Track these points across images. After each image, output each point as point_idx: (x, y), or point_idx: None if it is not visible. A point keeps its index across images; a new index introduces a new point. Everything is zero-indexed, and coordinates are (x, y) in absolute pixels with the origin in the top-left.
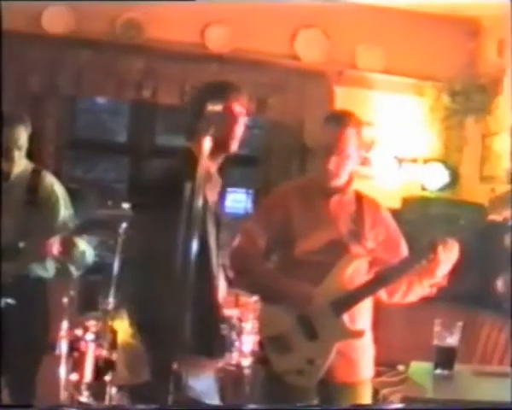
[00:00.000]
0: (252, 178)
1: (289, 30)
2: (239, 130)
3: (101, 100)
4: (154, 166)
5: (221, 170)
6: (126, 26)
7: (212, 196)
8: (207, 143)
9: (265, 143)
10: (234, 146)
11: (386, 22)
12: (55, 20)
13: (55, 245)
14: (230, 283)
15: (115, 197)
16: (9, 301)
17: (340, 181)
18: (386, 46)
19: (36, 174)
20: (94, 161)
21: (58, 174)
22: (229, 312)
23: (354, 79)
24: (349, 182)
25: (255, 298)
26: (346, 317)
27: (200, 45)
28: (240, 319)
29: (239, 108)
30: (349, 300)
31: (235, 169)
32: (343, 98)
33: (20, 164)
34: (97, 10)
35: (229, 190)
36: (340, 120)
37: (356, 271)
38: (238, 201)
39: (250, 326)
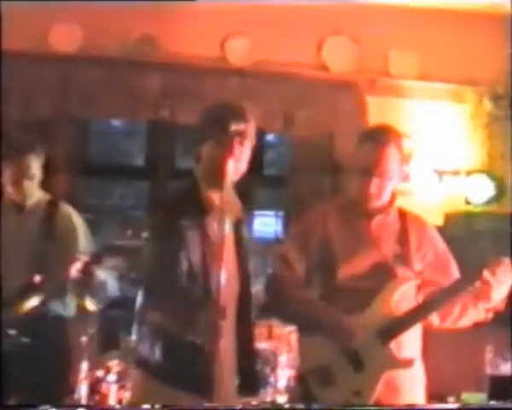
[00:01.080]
0: (281, 199)
1: (315, 38)
2: (241, 153)
3: (115, 122)
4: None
5: (243, 193)
6: (140, 41)
7: (217, 227)
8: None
9: (293, 161)
10: (231, 170)
11: (420, 23)
12: (63, 38)
13: (73, 271)
14: (266, 312)
15: (135, 226)
16: (25, 340)
17: (381, 202)
18: (421, 50)
19: (52, 206)
20: (110, 188)
21: (72, 203)
22: (262, 345)
23: (387, 88)
24: (391, 201)
25: (290, 329)
26: (393, 345)
27: (220, 59)
28: (274, 353)
29: (237, 133)
30: (396, 327)
31: (263, 190)
32: (376, 109)
33: (33, 195)
34: (108, 26)
35: (257, 213)
36: (379, 136)
37: (403, 295)
38: (267, 224)
39: (285, 360)
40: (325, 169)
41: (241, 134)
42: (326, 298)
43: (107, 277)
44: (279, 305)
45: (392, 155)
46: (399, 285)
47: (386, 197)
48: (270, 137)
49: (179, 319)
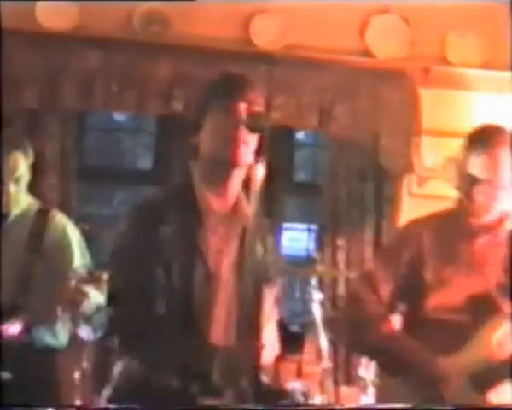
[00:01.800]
0: (314, 210)
1: (357, 17)
2: (246, 138)
3: (117, 115)
4: None
5: (268, 201)
6: (148, 19)
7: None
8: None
9: (330, 165)
10: (241, 159)
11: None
12: (54, 14)
13: (65, 293)
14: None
15: None
16: (5, 375)
17: (490, 217)
18: (485, 33)
19: (42, 214)
20: (110, 194)
21: (65, 212)
22: (290, 384)
23: (445, 78)
24: (501, 219)
25: (325, 366)
26: (490, 395)
27: (244, 42)
28: (305, 395)
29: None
30: (496, 374)
31: (293, 199)
32: (431, 103)
33: (20, 201)
34: (110, 2)
35: (286, 226)
36: (490, 138)
37: (507, 335)
38: (297, 239)
39: (318, 404)
40: (368, 175)
41: (250, 102)
42: (411, 331)
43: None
44: (355, 333)
45: (505, 160)
46: (503, 323)
47: (495, 212)
48: (301, 135)
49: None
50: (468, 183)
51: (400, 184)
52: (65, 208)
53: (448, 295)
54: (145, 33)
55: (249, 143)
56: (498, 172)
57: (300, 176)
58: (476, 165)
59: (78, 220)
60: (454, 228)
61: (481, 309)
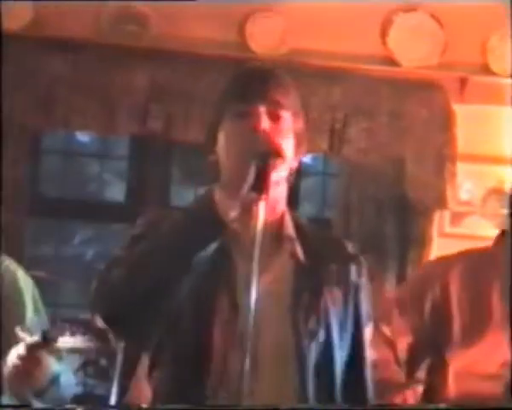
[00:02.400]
0: None
1: (378, 17)
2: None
3: (82, 136)
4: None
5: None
6: (121, 17)
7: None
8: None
9: (342, 196)
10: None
11: None
12: (7, 9)
13: (12, 358)
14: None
15: None
16: None
17: None
18: None
19: None
20: (71, 231)
21: (15, 255)
22: None
23: (486, 91)
24: None
25: None
26: None
27: (239, 46)
28: None
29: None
30: None
31: None
32: (468, 121)
33: None
34: None
35: None
36: None
37: None
38: None
39: None
40: (389, 210)
41: (273, 103)
42: (432, 395)
43: (62, 367)
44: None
45: None
46: None
47: None
48: (308, 160)
49: None
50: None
51: (430, 222)
52: (15, 250)
53: (479, 352)
54: (117, 35)
55: None
56: None
57: (307, 209)
58: None
59: (32, 265)
60: (490, 271)
61: None
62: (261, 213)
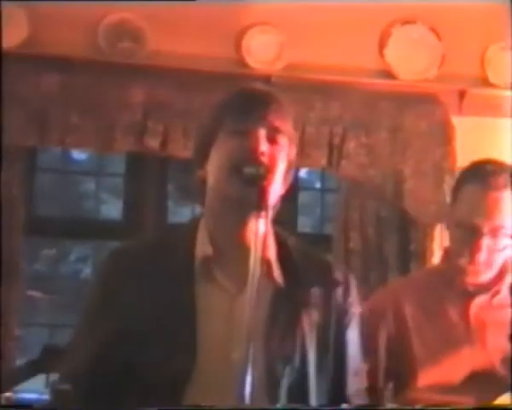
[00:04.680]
0: None
1: (376, 30)
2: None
3: (77, 154)
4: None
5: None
6: (117, 33)
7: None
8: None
9: (343, 213)
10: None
11: None
12: (4, 29)
13: None
14: None
15: None
16: None
17: (486, 276)
18: None
19: None
20: (65, 248)
21: (10, 274)
22: None
23: (485, 103)
24: (501, 274)
25: None
26: None
27: (236, 62)
28: None
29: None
30: None
31: None
32: (467, 134)
33: None
34: (68, 10)
35: None
36: (489, 177)
37: None
38: None
39: None
40: (389, 226)
41: (272, 128)
42: None
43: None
44: None
45: (507, 204)
46: None
47: (495, 268)
48: (306, 175)
49: None
50: (462, 234)
51: (431, 237)
52: (11, 270)
53: (441, 372)
54: (113, 51)
55: None
56: (500, 220)
57: (305, 224)
58: (472, 211)
59: (29, 285)
60: (443, 290)
61: (483, 388)
62: (261, 231)
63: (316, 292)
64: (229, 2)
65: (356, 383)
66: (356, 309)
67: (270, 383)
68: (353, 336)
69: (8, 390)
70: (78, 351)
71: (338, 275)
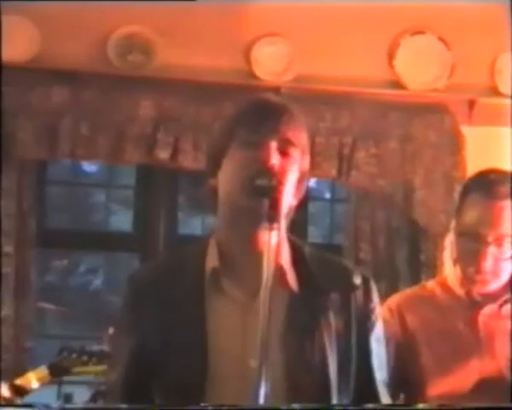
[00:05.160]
0: None
1: (385, 40)
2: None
3: (88, 166)
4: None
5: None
6: (126, 46)
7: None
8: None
9: (352, 222)
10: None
11: None
12: (12, 41)
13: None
14: None
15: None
16: None
17: (494, 285)
18: None
19: None
20: (75, 260)
21: (22, 286)
22: None
23: (495, 113)
24: (509, 284)
25: None
26: None
27: (245, 73)
28: None
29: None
30: None
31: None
32: (478, 144)
33: None
34: (77, 25)
35: None
36: (494, 187)
37: None
38: None
39: None
40: (399, 235)
41: (284, 140)
42: None
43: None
44: None
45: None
46: None
47: (503, 278)
48: (317, 186)
49: None
50: (468, 243)
51: (441, 246)
52: (22, 282)
53: (451, 382)
54: (123, 64)
55: None
56: (506, 230)
57: (315, 234)
58: (478, 220)
59: (39, 297)
60: (449, 301)
61: (492, 396)
62: (273, 241)
63: (334, 297)
64: (237, 14)
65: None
66: (378, 314)
67: (289, 389)
68: (377, 342)
69: None
70: (113, 364)
71: (357, 279)
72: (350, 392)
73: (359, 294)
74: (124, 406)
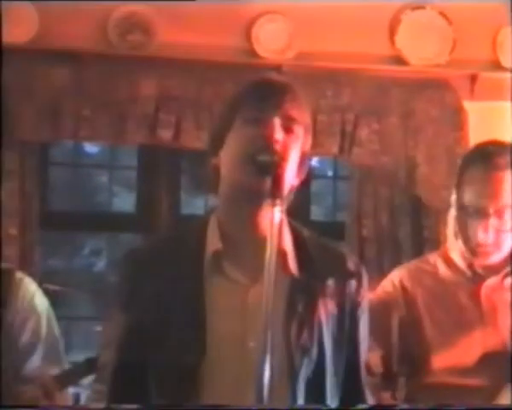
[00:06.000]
0: None
1: (386, 16)
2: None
3: (90, 147)
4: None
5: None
6: (126, 26)
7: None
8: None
9: (355, 200)
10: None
11: None
12: (11, 22)
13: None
14: None
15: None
16: None
17: (496, 257)
18: None
19: (3, 277)
20: (79, 242)
21: (26, 269)
22: None
23: (497, 87)
24: (510, 256)
25: None
26: None
27: (245, 51)
28: None
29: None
30: None
31: None
32: (479, 119)
33: None
34: (78, 4)
35: None
36: (495, 158)
37: None
38: None
39: None
40: (402, 211)
41: (288, 117)
42: (415, 399)
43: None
44: None
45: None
46: None
47: (504, 251)
48: (319, 164)
49: None
50: (468, 216)
51: (444, 222)
52: (26, 265)
53: (454, 355)
54: (123, 44)
55: None
56: (508, 201)
57: (318, 212)
58: (479, 192)
59: (44, 278)
60: (451, 274)
61: (497, 370)
62: (276, 219)
63: (331, 283)
64: None
65: (366, 375)
66: (367, 302)
67: (289, 371)
68: (364, 329)
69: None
70: (105, 347)
71: (351, 266)
72: (342, 381)
73: (353, 280)
74: (124, 406)
